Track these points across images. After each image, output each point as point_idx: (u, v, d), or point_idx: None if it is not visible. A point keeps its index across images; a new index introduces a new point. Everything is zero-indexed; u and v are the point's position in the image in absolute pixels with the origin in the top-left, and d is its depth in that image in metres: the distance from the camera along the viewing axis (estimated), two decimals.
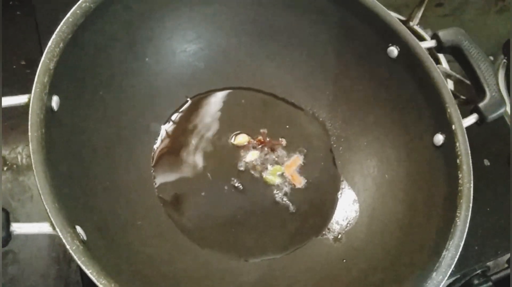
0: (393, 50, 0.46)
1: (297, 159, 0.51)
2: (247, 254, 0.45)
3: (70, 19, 0.37)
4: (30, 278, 0.44)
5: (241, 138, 0.50)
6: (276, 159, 0.50)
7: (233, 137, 0.50)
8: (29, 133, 0.32)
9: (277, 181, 0.48)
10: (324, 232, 0.47)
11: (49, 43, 0.36)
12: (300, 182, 0.49)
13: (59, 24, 0.37)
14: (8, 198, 0.47)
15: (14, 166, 0.49)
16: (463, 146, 0.41)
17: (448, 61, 0.66)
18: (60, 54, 0.36)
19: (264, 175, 0.49)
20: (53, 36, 0.36)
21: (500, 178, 0.59)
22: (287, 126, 0.52)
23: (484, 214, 0.55)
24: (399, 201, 0.46)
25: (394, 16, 0.46)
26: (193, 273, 0.42)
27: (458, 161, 0.41)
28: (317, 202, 0.49)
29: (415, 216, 0.44)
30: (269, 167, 0.49)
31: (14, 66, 0.54)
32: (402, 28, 0.46)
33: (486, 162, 0.59)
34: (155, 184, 0.46)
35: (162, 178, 0.47)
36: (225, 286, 0.42)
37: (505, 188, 0.58)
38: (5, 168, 0.48)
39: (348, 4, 0.47)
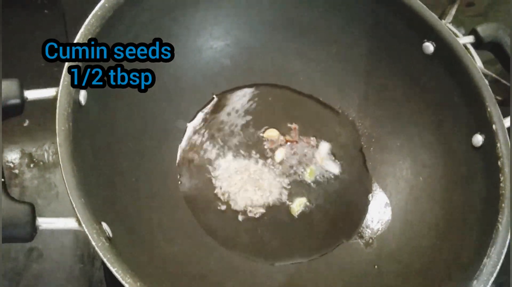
0: (429, 46, 0.44)
1: (325, 146, 0.49)
2: (274, 257, 0.44)
3: (99, 13, 0.37)
4: (54, 276, 0.44)
5: (271, 133, 0.49)
6: (305, 157, 0.49)
7: (262, 132, 0.49)
8: (57, 127, 0.31)
9: (301, 209, 0.46)
10: (354, 236, 0.46)
11: (77, 36, 0.35)
12: (334, 167, 0.48)
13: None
14: (34, 195, 0.47)
15: (41, 163, 0.49)
16: (504, 147, 0.39)
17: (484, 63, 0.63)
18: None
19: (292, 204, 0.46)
20: (81, 29, 0.36)
21: None
22: (315, 125, 0.51)
23: None
24: (434, 205, 0.44)
25: (429, 10, 0.44)
26: (218, 274, 0.41)
27: (499, 163, 0.39)
28: (347, 205, 0.47)
29: (453, 221, 0.41)
30: (303, 169, 0.48)
31: (43, 64, 0.54)
32: (439, 23, 0.44)
33: None
34: (180, 182, 0.45)
35: (187, 177, 0.46)
36: None
37: None
38: (31, 165, 0.49)
39: None
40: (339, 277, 0.43)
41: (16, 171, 0.48)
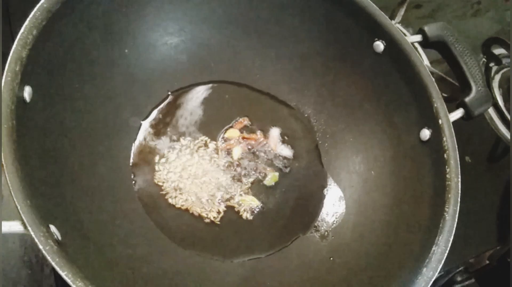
0: (379, 45, 0.46)
1: (275, 131, 0.50)
2: (232, 254, 0.43)
3: (45, 5, 0.35)
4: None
5: (232, 133, 0.49)
6: (264, 154, 0.49)
7: (223, 133, 0.49)
8: None
9: (252, 205, 0.46)
10: (311, 230, 0.46)
11: (22, 30, 0.33)
12: (288, 151, 0.49)
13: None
14: None
15: None
16: (450, 140, 0.41)
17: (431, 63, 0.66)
18: (33, 42, 0.34)
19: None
20: (26, 22, 0.34)
21: (481, 174, 0.60)
22: (272, 122, 0.51)
23: (466, 211, 0.55)
24: (386, 198, 0.45)
25: (380, 10, 0.46)
26: (176, 274, 0.40)
27: (445, 155, 0.41)
28: (304, 199, 0.48)
29: (403, 212, 0.43)
30: (263, 169, 0.48)
31: None
32: (389, 23, 0.45)
33: (468, 159, 0.59)
34: (135, 182, 0.44)
35: (141, 176, 0.45)
36: None
37: (486, 185, 0.59)
38: None
39: None
40: (296, 269, 0.43)
41: None
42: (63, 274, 0.27)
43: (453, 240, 0.37)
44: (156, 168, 0.46)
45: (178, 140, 0.48)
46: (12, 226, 0.28)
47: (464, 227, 0.52)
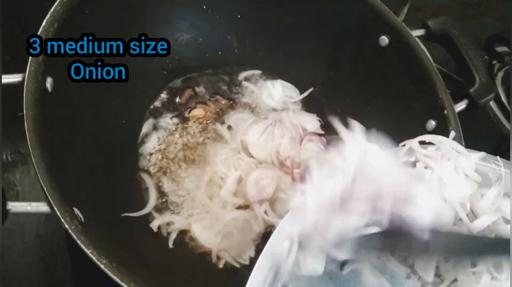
0: (384, 39, 0.47)
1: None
2: None
3: (64, 0, 0.36)
4: (16, 276, 0.43)
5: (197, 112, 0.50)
6: None
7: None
8: (24, 112, 0.31)
9: None
10: None
11: (43, 23, 0.35)
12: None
13: (43, 20, 0.36)
14: None
15: None
16: (455, 129, 0.42)
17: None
18: (54, 35, 0.35)
19: None
20: (47, 16, 0.35)
21: None
22: None
23: None
24: None
25: (385, 6, 0.47)
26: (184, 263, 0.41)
27: None
28: None
29: None
30: None
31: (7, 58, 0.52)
32: (393, 17, 0.46)
33: None
34: (146, 173, 0.45)
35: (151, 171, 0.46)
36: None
37: None
38: None
39: None
40: None
41: None
42: (88, 252, 0.28)
43: None
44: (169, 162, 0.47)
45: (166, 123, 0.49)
46: (39, 206, 0.29)
47: None
